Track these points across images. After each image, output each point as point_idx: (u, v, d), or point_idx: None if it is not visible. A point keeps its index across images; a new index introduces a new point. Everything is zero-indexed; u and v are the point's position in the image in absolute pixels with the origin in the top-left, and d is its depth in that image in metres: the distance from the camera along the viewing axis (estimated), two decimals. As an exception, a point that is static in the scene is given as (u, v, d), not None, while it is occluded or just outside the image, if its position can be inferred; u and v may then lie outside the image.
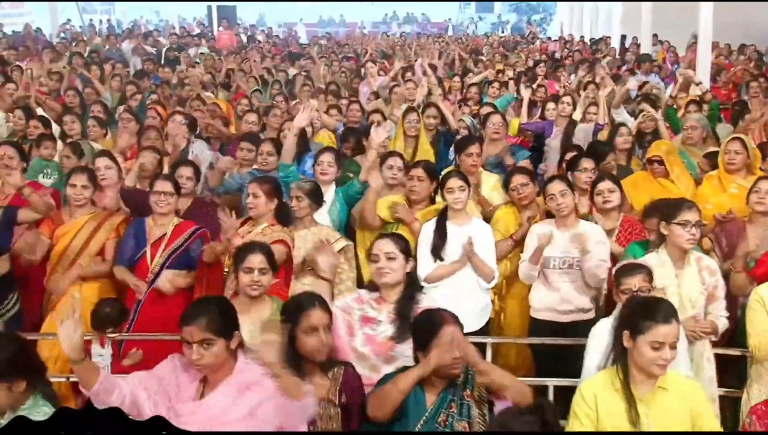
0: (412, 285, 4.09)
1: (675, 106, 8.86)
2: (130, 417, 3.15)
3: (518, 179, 5.66)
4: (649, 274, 4.12)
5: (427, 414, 3.37)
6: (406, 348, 3.69)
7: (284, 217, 5.26)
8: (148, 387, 3.19)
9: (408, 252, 4.12)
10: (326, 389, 3.49)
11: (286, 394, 3.12)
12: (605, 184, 5.44)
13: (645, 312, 3.38)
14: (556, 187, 5.18)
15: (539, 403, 3.09)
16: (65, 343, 3.12)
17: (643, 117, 7.73)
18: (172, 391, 3.21)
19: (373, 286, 4.11)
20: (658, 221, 4.58)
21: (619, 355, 3.42)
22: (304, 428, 3.28)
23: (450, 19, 35.03)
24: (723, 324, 4.46)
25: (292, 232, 5.18)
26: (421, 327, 3.50)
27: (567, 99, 8.40)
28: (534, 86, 10.52)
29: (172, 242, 5.22)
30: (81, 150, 6.76)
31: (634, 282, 4.05)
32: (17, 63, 13.69)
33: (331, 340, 3.59)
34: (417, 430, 3.34)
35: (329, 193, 5.88)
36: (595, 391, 3.41)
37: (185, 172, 5.89)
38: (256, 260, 4.11)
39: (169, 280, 5.08)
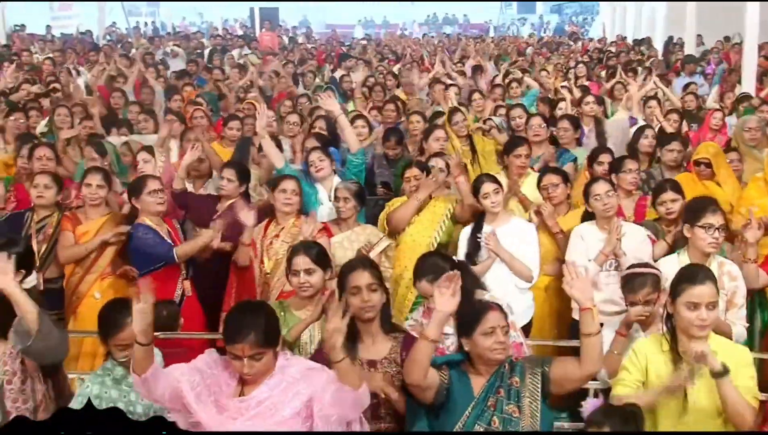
0: (471, 286, 4.03)
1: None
2: (169, 412, 3.23)
3: (550, 179, 5.68)
4: (656, 281, 4.16)
5: (475, 399, 3.40)
6: None
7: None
8: (190, 380, 3.19)
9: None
10: (389, 349, 3.65)
11: (344, 381, 3.15)
12: (667, 195, 5.23)
13: (681, 276, 3.58)
14: (602, 187, 5.16)
15: (633, 409, 3.21)
16: (138, 324, 3.15)
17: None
18: (214, 386, 3.22)
19: None
20: (682, 223, 4.57)
21: (667, 321, 3.58)
22: (358, 419, 3.30)
23: (491, 20, 34.89)
24: (738, 332, 4.37)
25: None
26: (466, 312, 3.51)
27: (590, 99, 8.32)
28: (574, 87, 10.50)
29: None
30: (104, 149, 6.81)
31: (639, 297, 4.12)
32: (66, 65, 13.95)
33: (378, 300, 3.66)
34: (467, 414, 3.37)
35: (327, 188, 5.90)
36: (646, 351, 3.59)
37: (227, 174, 5.94)
38: (301, 262, 4.12)
39: None
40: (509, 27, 34.01)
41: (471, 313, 3.50)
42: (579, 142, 7.35)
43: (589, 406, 3.31)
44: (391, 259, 5.46)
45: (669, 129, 7.88)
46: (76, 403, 3.57)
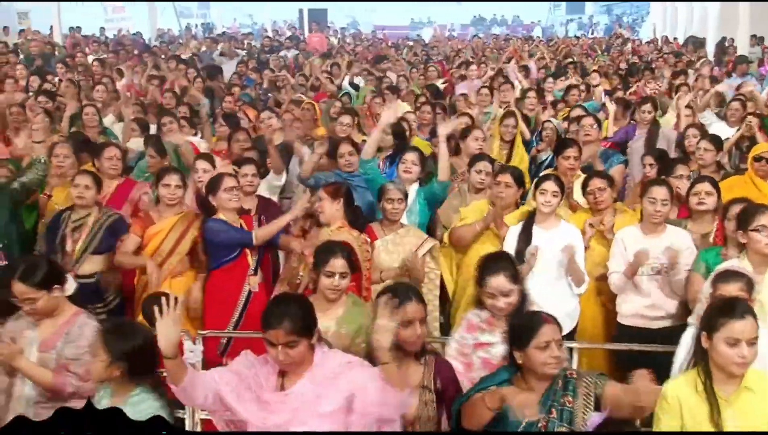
0: (523, 302, 3.99)
1: None
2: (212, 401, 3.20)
3: (596, 183, 5.57)
4: (750, 284, 3.97)
5: (525, 420, 3.31)
6: None
7: (355, 218, 5.29)
8: (228, 382, 3.21)
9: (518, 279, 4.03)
10: (420, 375, 3.56)
11: (390, 382, 3.14)
12: (703, 186, 5.27)
13: (720, 309, 3.34)
14: (662, 193, 5.07)
15: None
16: (162, 339, 3.14)
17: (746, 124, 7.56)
18: (254, 384, 3.24)
19: (480, 305, 4.05)
20: (735, 229, 4.51)
21: (700, 357, 3.37)
22: (398, 421, 3.29)
23: (539, 20, 34.65)
24: None
25: (363, 236, 5.18)
26: (519, 325, 3.47)
27: (647, 106, 8.20)
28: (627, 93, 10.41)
29: None
30: (163, 148, 6.86)
31: (730, 289, 3.93)
32: (118, 66, 14.19)
33: (425, 332, 3.63)
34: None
35: (411, 192, 5.90)
36: (678, 393, 3.37)
37: (249, 170, 6.01)
38: (339, 265, 4.12)
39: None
40: (557, 27, 33.75)
41: (525, 325, 3.43)
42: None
43: (594, 420, 3.26)
44: (436, 259, 5.45)
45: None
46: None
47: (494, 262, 4.00)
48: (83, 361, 3.76)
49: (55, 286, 3.90)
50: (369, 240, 5.20)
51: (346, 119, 7.89)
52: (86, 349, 3.71)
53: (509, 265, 4.02)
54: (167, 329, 3.14)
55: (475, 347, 3.93)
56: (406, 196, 5.48)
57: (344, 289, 4.16)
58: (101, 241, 5.57)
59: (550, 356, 3.32)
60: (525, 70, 12.58)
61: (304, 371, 3.23)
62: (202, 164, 6.23)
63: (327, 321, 3.93)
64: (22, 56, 15.77)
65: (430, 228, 6.05)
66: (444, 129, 6.08)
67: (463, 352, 3.95)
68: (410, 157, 6.08)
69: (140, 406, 3.25)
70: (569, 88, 10.60)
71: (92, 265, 5.55)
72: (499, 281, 3.90)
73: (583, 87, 10.67)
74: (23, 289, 3.81)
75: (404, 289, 3.67)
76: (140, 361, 3.30)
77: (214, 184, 5.45)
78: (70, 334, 3.86)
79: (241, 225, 5.44)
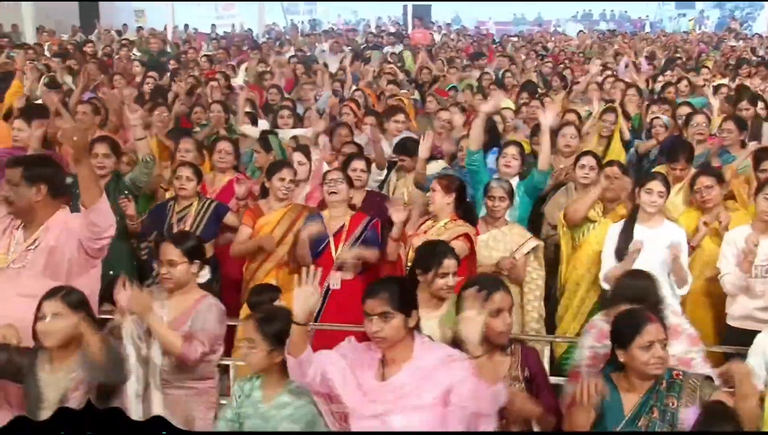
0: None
1: None
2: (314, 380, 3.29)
3: (703, 181, 5.47)
4: None
5: (625, 418, 3.31)
6: None
7: (467, 212, 5.29)
8: (335, 363, 3.28)
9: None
10: (508, 366, 3.56)
11: (482, 376, 3.13)
12: None
13: None
14: None
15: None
16: (300, 305, 3.23)
17: None
18: (357, 367, 3.29)
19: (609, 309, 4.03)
20: None
21: None
22: (494, 416, 3.27)
23: (648, 16, 33.75)
24: None
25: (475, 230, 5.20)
26: (623, 324, 3.44)
27: (744, 104, 7.96)
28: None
29: (351, 233, 5.38)
30: (269, 144, 6.94)
31: None
32: (229, 62, 14.60)
33: (512, 322, 3.65)
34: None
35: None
36: None
37: (358, 165, 6.07)
38: (451, 265, 4.15)
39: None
40: (667, 23, 32.82)
41: (629, 323, 3.40)
42: (743, 144, 7.07)
43: (690, 417, 3.21)
44: (540, 260, 5.45)
45: None
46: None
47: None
48: (210, 331, 3.95)
49: (197, 261, 4.11)
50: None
51: (445, 115, 7.97)
52: (214, 329, 3.93)
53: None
54: (306, 295, 3.25)
55: (605, 356, 3.79)
56: (511, 193, 5.46)
57: (453, 287, 4.17)
58: (205, 229, 5.71)
59: (653, 356, 3.29)
60: (634, 66, 12.36)
61: (404, 362, 3.26)
62: (297, 156, 6.34)
63: (430, 320, 3.95)
64: (139, 53, 16.36)
65: (532, 220, 6.03)
66: (547, 120, 6.03)
67: (595, 363, 3.87)
68: (511, 151, 6.08)
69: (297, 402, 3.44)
70: (666, 84, 10.39)
71: None
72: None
73: (685, 83, 10.38)
74: (172, 250, 4.04)
75: (490, 280, 3.73)
76: None
77: (271, 170, 5.63)
78: (199, 314, 4.03)
79: (344, 224, 5.42)
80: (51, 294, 3.60)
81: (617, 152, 7.39)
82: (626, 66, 12.55)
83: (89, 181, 3.94)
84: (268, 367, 3.55)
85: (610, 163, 5.78)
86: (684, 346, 3.88)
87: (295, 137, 7.61)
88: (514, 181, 5.95)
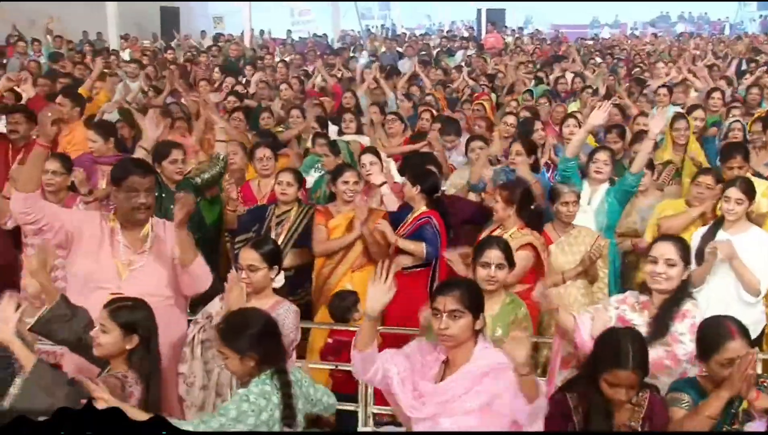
0: (681, 291, 3.96)
1: None
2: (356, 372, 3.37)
3: None
4: None
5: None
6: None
7: (534, 220, 5.28)
8: (397, 363, 3.30)
9: (687, 259, 4.01)
10: (629, 414, 3.37)
11: (524, 391, 3.10)
12: None
13: None
14: None
15: None
16: (372, 301, 3.26)
17: None
18: (418, 370, 3.30)
19: (644, 288, 4.05)
20: None
21: None
22: (536, 427, 3.23)
23: (727, 17, 32.89)
24: None
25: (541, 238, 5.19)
26: (706, 336, 3.43)
27: None
28: None
29: (406, 227, 5.62)
30: (337, 148, 6.97)
31: None
32: (303, 67, 14.82)
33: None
34: None
35: (600, 192, 5.88)
36: None
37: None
38: (493, 255, 4.18)
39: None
40: (747, 24, 31.92)
41: (713, 335, 3.38)
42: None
43: (757, 426, 3.19)
44: (605, 258, 5.44)
45: None
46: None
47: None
48: (287, 336, 3.91)
49: (276, 266, 4.22)
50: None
51: (510, 119, 8.05)
52: (290, 334, 4.00)
53: (681, 243, 4.08)
54: (379, 291, 3.27)
55: (618, 320, 3.92)
56: (579, 197, 5.48)
57: (501, 281, 4.21)
58: (301, 235, 5.77)
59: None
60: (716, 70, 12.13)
61: (462, 363, 3.27)
62: (367, 158, 6.43)
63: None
64: (221, 59, 16.74)
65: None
66: (656, 126, 5.90)
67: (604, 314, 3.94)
68: (602, 156, 6.01)
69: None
70: (750, 87, 10.15)
71: (291, 258, 5.67)
72: (663, 248, 3.96)
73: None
74: (253, 255, 4.14)
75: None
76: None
77: (335, 175, 5.78)
78: (277, 318, 3.87)
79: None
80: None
81: (697, 153, 7.27)
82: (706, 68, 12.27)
83: (186, 245, 4.09)
84: (245, 373, 3.39)
85: (705, 171, 5.70)
86: None
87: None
88: (605, 187, 5.93)
